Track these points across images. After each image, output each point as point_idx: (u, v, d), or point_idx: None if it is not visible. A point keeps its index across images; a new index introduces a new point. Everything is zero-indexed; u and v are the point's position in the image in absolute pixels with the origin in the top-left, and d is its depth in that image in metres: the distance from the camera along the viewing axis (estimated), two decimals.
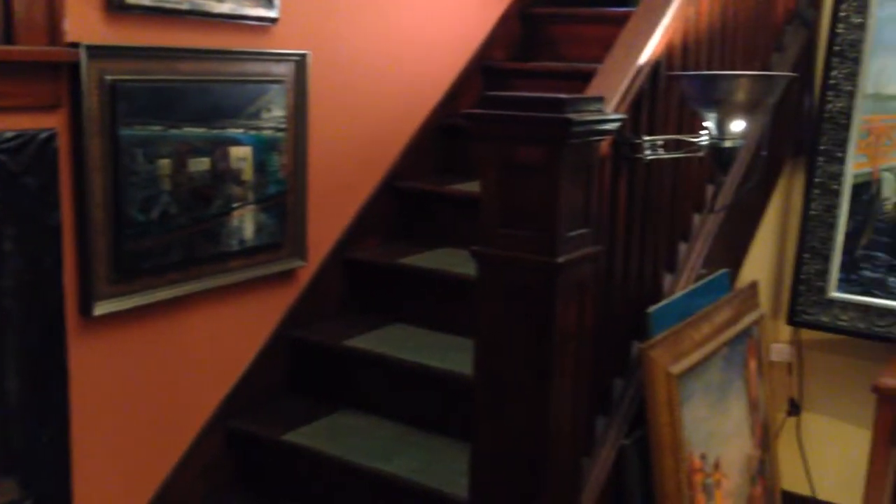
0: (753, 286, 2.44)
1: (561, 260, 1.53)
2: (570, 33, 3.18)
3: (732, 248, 2.46)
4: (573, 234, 1.57)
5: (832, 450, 2.75)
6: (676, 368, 1.92)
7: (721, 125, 1.70)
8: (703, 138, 1.75)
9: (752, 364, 2.36)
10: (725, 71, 2.19)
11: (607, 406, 1.94)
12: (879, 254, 2.54)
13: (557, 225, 1.53)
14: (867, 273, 2.56)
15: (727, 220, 2.35)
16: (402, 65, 2.78)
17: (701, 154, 1.77)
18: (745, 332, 2.32)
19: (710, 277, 2.25)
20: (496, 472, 1.64)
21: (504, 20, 3.15)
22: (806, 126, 2.66)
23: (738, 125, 1.69)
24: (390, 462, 2.16)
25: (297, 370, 2.53)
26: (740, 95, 1.66)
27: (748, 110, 1.69)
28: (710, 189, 2.29)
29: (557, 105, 1.50)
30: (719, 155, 1.73)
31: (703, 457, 2.03)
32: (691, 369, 2.00)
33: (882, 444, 2.23)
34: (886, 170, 2.54)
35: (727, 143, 1.71)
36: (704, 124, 1.76)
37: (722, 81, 1.67)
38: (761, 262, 2.71)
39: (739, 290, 2.37)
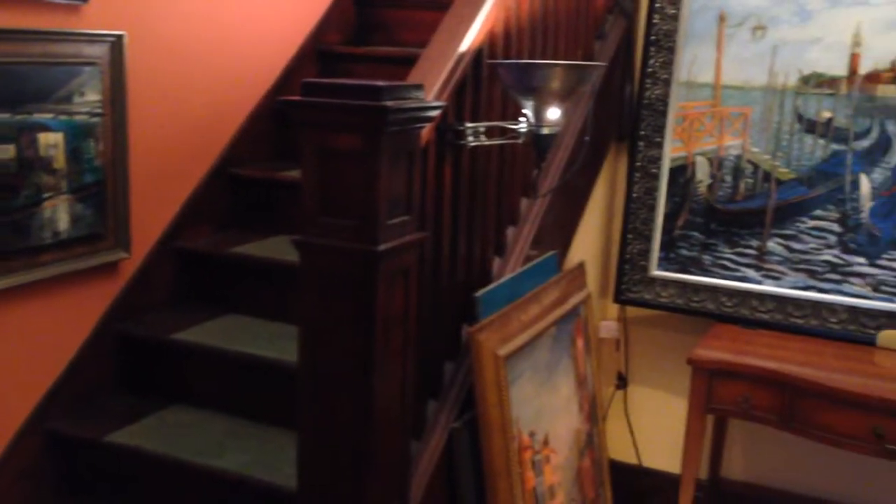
0: (581, 267, 2.53)
1: (382, 248, 1.53)
2: (406, 18, 3.18)
3: (561, 230, 2.54)
4: (395, 221, 1.58)
5: (656, 419, 2.90)
6: (504, 350, 1.97)
7: (538, 113, 1.74)
8: (522, 125, 1.79)
9: (580, 342, 2.45)
10: (546, 60, 2.26)
11: (438, 390, 1.97)
12: (694, 233, 2.70)
13: (378, 213, 1.52)
14: (684, 252, 2.71)
15: (555, 204, 2.43)
16: (231, 48, 2.69)
17: (520, 141, 1.81)
18: (573, 312, 2.41)
19: (539, 260, 2.32)
20: (323, 462, 1.63)
21: (338, 3, 3.11)
22: (627, 112, 2.78)
23: (554, 112, 1.74)
24: (222, 457, 2.10)
25: (124, 366, 2.42)
26: (555, 84, 1.70)
27: (563, 98, 1.74)
28: (536, 173, 2.35)
29: (374, 93, 1.49)
30: (537, 141, 1.77)
31: (532, 434, 2.10)
32: (519, 350, 2.05)
33: (697, 412, 2.37)
34: (700, 154, 2.69)
35: (545, 130, 1.75)
36: (523, 111, 1.80)
37: (537, 70, 1.71)
38: (590, 243, 2.82)
39: (567, 271, 2.46)
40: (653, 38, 2.68)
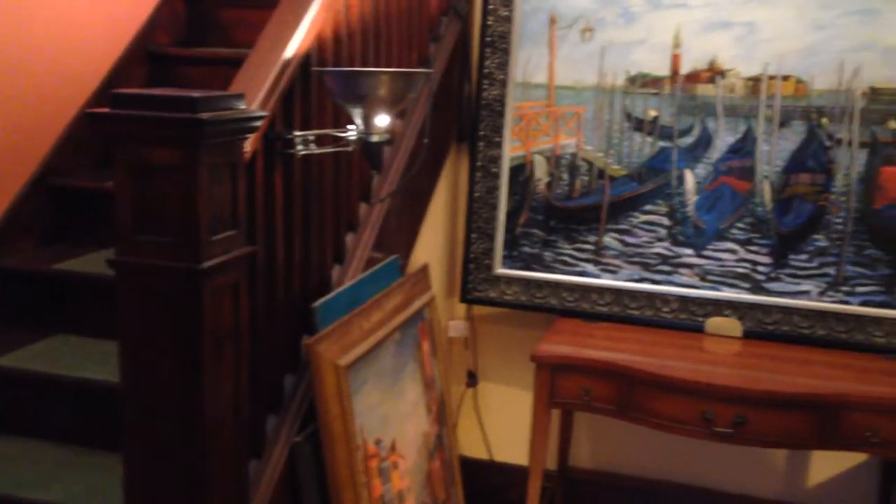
0: (424, 269, 2.54)
1: (206, 265, 1.47)
2: (241, 17, 3.09)
3: (403, 233, 2.53)
4: (220, 237, 1.52)
5: (506, 414, 2.96)
6: (345, 360, 1.94)
7: (367, 120, 1.72)
8: (352, 133, 1.76)
9: (426, 345, 2.45)
10: (380, 64, 2.24)
11: (278, 404, 1.92)
12: (536, 231, 2.76)
13: (199, 229, 1.46)
14: (527, 249, 2.76)
15: (396, 207, 2.42)
16: (46, 50, 2.53)
17: (350, 149, 1.79)
18: (418, 315, 2.41)
19: (381, 265, 2.30)
20: (152, 488, 1.55)
21: (167, 1, 2.98)
22: (466, 113, 2.81)
23: (383, 120, 1.73)
24: (50, 489, 1.98)
25: None
26: (383, 91, 1.69)
27: (392, 105, 1.72)
28: (376, 178, 2.33)
29: (189, 104, 1.43)
30: (368, 149, 1.75)
31: (378, 441, 2.08)
32: (362, 358, 2.03)
33: (541, 407, 2.43)
34: (537, 153, 2.75)
35: (375, 138, 1.73)
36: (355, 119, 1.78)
37: (363, 78, 1.69)
38: (435, 244, 2.83)
39: (411, 274, 2.46)
40: (488, 39, 2.72)
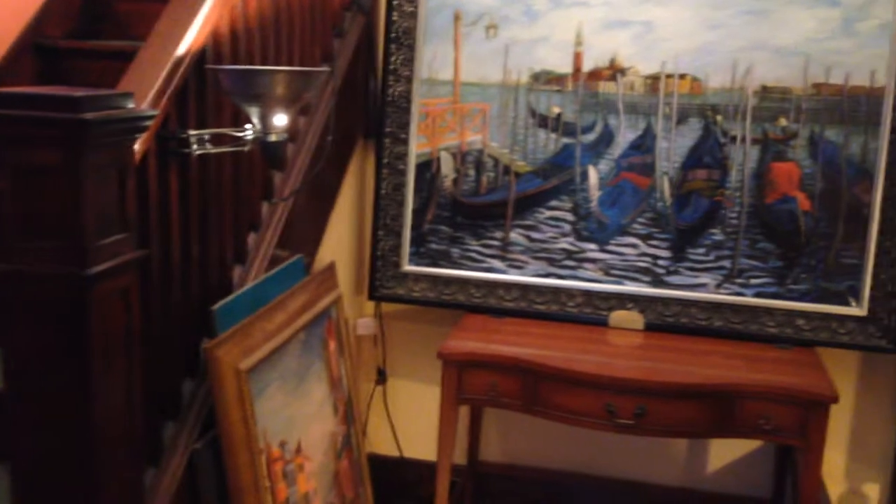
0: (331, 267, 2.51)
1: (93, 271, 1.42)
2: (140, 10, 2.97)
3: (309, 231, 2.50)
4: (108, 241, 1.47)
5: (416, 411, 2.96)
6: (246, 364, 1.91)
7: (264, 119, 1.69)
8: (248, 133, 1.73)
9: (332, 344, 2.43)
10: (281, 59, 2.20)
11: (177, 411, 1.87)
12: (443, 227, 2.76)
13: (85, 233, 1.41)
14: (434, 246, 2.77)
15: (301, 205, 2.38)
16: None
17: (247, 148, 1.75)
18: (324, 314, 2.39)
19: (285, 264, 2.27)
20: (40, 500, 1.50)
21: None
22: (372, 109, 2.79)
23: (281, 119, 1.70)
24: None
25: None
26: (280, 90, 1.66)
27: (290, 104, 1.70)
28: (279, 176, 2.29)
29: (72, 104, 1.37)
30: (266, 149, 1.72)
31: (282, 444, 2.05)
32: (264, 361, 2.00)
33: (449, 404, 2.43)
34: (444, 149, 2.75)
35: (272, 137, 1.70)
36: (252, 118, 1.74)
37: (259, 77, 1.65)
38: (342, 242, 2.80)
39: (316, 273, 2.43)
40: (393, 35, 2.70)
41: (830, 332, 2.51)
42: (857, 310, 2.49)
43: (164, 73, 1.68)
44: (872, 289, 2.47)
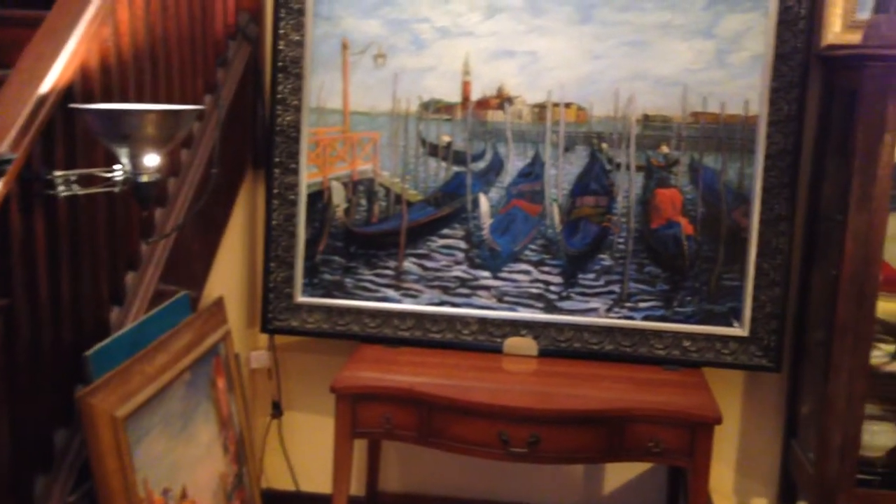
0: (219, 302, 2.45)
1: None
2: (13, 37, 2.86)
3: (195, 266, 2.43)
4: None
5: (312, 444, 2.91)
6: (123, 410, 1.83)
7: (134, 160, 1.63)
8: (118, 173, 1.67)
9: (221, 382, 2.37)
10: (159, 93, 2.14)
11: (48, 462, 1.78)
12: (336, 257, 2.73)
13: None
14: (327, 276, 2.73)
15: (185, 239, 2.31)
16: None
17: (117, 189, 1.69)
18: (212, 352, 2.32)
19: (168, 302, 2.19)
20: None
21: None
22: (261, 139, 2.74)
23: (153, 159, 1.64)
24: None
25: None
26: (149, 130, 1.60)
27: (161, 144, 1.64)
28: (159, 211, 2.22)
29: None
30: (137, 190, 1.66)
31: (165, 492, 1.98)
32: (144, 406, 1.92)
33: (343, 438, 2.40)
34: (335, 179, 2.73)
35: (144, 178, 1.65)
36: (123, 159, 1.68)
37: (126, 117, 1.59)
38: (232, 275, 2.73)
39: (203, 309, 2.36)
40: (280, 64, 2.66)
41: (715, 352, 2.58)
42: (739, 330, 2.57)
43: (26, 112, 1.60)
44: (753, 310, 2.56)
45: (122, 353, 1.93)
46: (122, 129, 1.59)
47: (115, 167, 1.66)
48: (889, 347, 2.40)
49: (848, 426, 2.27)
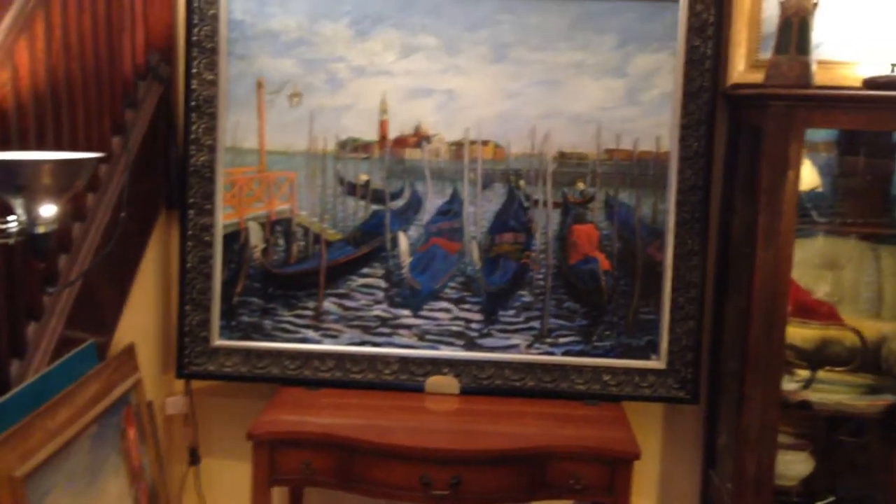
0: (129, 350, 2.37)
1: None
2: None
3: (103, 313, 2.35)
4: None
5: (231, 491, 2.83)
6: (23, 469, 1.75)
7: (30, 210, 1.57)
8: (12, 225, 1.60)
9: (132, 432, 2.29)
10: (62, 136, 2.08)
11: None
12: (254, 299, 2.68)
13: None
14: (245, 318, 2.68)
15: (92, 286, 2.24)
16: None
17: (11, 241, 1.62)
18: (121, 401, 2.25)
19: (73, 352, 2.12)
20: None
21: None
22: (174, 180, 2.68)
23: (48, 209, 1.58)
24: None
25: None
26: (45, 181, 1.55)
27: (58, 194, 1.59)
28: (64, 257, 2.14)
29: None
30: (33, 242, 1.60)
31: None
32: (46, 463, 1.84)
33: (261, 486, 2.33)
34: (252, 219, 2.68)
35: (40, 229, 1.59)
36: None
37: (20, 167, 1.54)
38: (146, 320, 2.65)
39: (112, 357, 2.29)
40: (193, 103, 2.62)
41: (634, 386, 2.61)
42: (656, 363, 2.60)
43: None
44: (669, 343, 2.59)
45: (22, 408, 1.85)
46: (16, 180, 1.53)
47: (10, 218, 1.60)
48: (805, 373, 2.46)
49: (762, 456, 2.31)
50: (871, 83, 2.34)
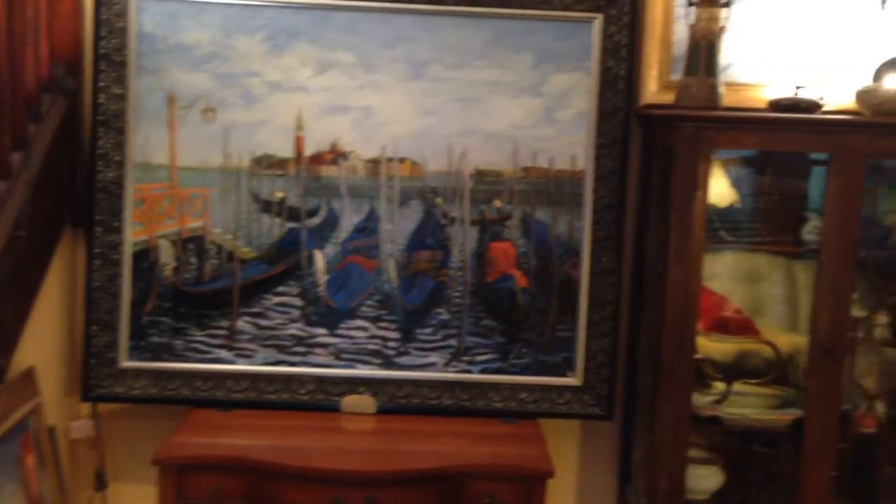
0: (28, 373, 2.28)
1: None
2: None
3: (1, 335, 2.25)
4: None
5: None
6: None
7: None
8: None
9: (31, 459, 2.20)
10: None
11: None
12: (164, 318, 2.61)
13: None
14: (155, 339, 2.60)
15: None
16: None
17: None
18: (19, 427, 2.16)
19: None
20: None
21: None
22: (80, 197, 2.59)
23: None
24: None
25: None
26: None
27: None
28: None
29: None
30: None
31: None
32: None
33: None
34: (162, 236, 2.61)
35: None
36: None
37: None
38: (49, 341, 2.55)
39: (10, 381, 2.19)
40: (100, 118, 2.54)
41: (551, 403, 2.62)
42: (573, 380, 2.62)
43: None
44: (585, 360, 2.61)
45: None
46: None
47: None
48: (722, 386, 2.50)
49: (673, 470, 2.34)
50: (775, 105, 2.41)
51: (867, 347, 2.45)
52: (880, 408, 2.48)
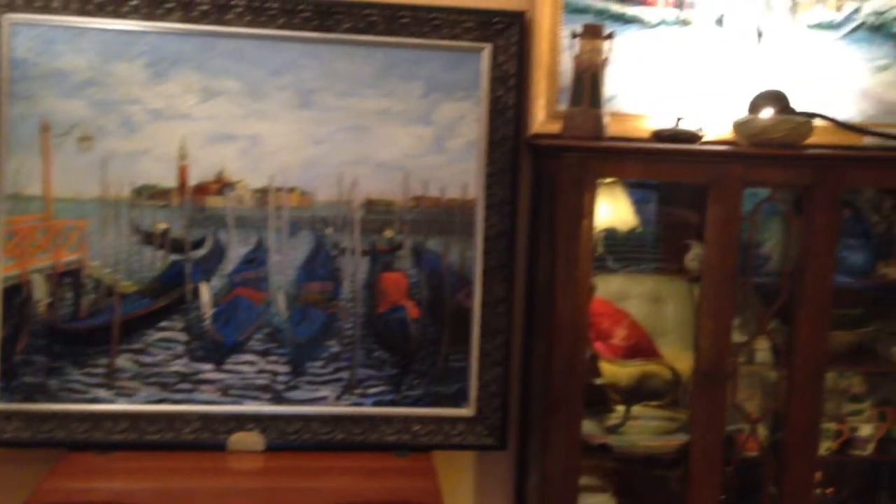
0: None
1: None
2: None
3: None
4: None
5: None
6: None
7: None
8: None
9: None
10: None
11: None
12: (38, 357, 2.47)
13: None
14: (27, 378, 2.47)
15: None
16: None
17: None
18: None
19: None
20: None
21: None
22: None
23: None
24: None
25: None
26: None
27: None
28: None
29: None
30: None
31: None
32: None
33: None
34: (36, 271, 2.48)
35: None
36: None
37: None
38: None
39: None
40: None
41: (444, 434, 2.59)
42: (466, 411, 2.60)
43: None
44: (479, 390, 2.60)
45: None
46: None
47: None
48: (622, 408, 2.52)
49: (565, 499, 2.33)
50: (657, 135, 2.46)
51: (749, 372, 2.51)
52: (762, 431, 2.54)
